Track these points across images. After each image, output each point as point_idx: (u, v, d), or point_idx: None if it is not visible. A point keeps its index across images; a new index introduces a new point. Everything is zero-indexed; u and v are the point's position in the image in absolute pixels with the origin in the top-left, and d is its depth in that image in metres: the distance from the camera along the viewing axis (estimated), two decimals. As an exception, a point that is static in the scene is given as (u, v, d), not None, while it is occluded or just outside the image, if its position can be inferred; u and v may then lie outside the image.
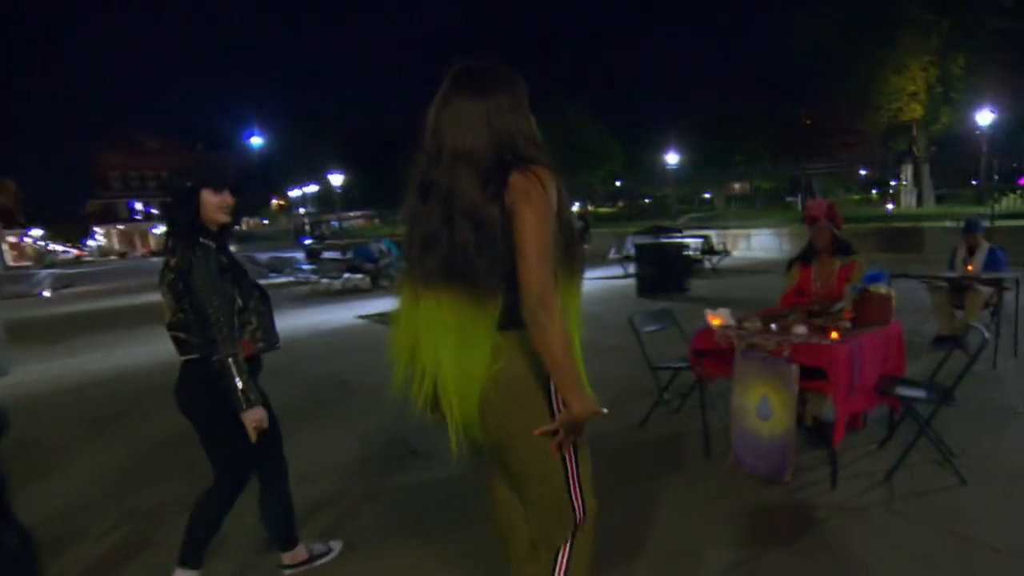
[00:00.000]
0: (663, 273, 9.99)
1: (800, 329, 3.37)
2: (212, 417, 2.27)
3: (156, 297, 2.47)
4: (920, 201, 20.27)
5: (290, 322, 9.95)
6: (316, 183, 43.26)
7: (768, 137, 30.93)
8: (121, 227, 75.48)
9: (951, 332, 5.99)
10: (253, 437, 2.22)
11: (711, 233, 14.72)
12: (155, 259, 56.57)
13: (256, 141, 39.58)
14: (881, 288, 3.59)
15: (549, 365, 1.50)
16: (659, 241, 10.45)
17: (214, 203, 2.26)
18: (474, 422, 1.59)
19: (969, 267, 5.96)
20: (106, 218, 74.62)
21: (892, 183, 20.67)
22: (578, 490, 1.67)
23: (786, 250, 15.01)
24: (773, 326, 3.55)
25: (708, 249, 12.83)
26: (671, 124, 35.46)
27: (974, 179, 15.13)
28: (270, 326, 2.43)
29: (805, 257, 4.21)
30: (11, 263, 60.75)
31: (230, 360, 2.15)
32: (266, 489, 2.56)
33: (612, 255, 13.56)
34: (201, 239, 2.21)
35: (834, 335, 3.21)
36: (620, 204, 30.86)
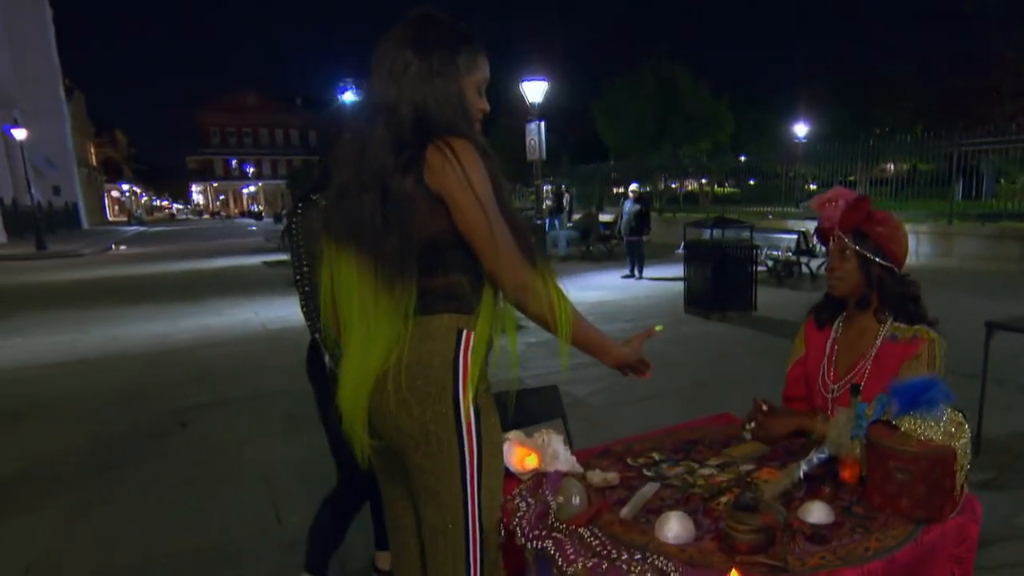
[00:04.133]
0: (720, 282, 7.80)
1: (673, 530, 1.41)
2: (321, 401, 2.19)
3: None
4: None
5: (213, 319, 8.78)
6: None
7: (921, 102, 26.37)
8: (215, 184, 79.51)
9: None
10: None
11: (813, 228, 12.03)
12: (241, 220, 59.03)
13: (349, 97, 39.38)
14: (931, 423, 1.55)
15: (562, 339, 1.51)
16: (715, 238, 8.20)
17: None
18: (359, 422, 1.53)
19: None
20: (203, 175, 78.79)
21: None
22: (477, 524, 1.54)
23: (923, 254, 12.06)
24: (645, 492, 1.62)
25: (804, 249, 10.27)
26: (797, 87, 31.42)
27: None
28: None
29: (824, 313, 2.15)
30: (111, 218, 65.72)
31: (317, 335, 2.11)
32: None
33: (680, 251, 11.33)
34: (313, 195, 2.10)
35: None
36: (752, 183, 27.69)
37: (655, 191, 25.07)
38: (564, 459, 1.76)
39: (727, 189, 32.85)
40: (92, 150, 57.67)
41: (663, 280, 10.84)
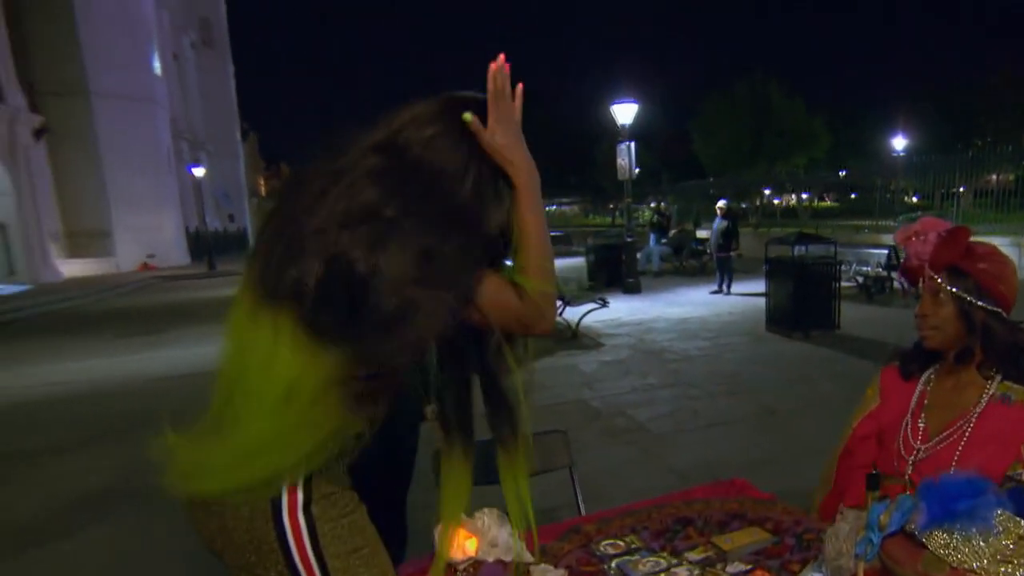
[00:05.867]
0: (802, 300, 6.96)
1: None
2: None
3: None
4: None
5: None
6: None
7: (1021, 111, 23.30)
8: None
9: None
10: None
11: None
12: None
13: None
14: (973, 542, 1.01)
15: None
16: (797, 255, 7.34)
17: None
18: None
19: None
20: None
21: None
22: None
23: (1034, 269, 10.36)
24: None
25: (895, 263, 9.08)
26: (897, 101, 28.65)
27: None
28: None
29: (913, 363, 1.58)
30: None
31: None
32: None
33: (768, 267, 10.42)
34: None
35: None
36: (854, 197, 25.58)
37: (751, 207, 23.62)
38: (505, 547, 1.34)
39: (827, 203, 30.59)
40: (261, 182, 62.02)
41: (750, 296, 9.94)
